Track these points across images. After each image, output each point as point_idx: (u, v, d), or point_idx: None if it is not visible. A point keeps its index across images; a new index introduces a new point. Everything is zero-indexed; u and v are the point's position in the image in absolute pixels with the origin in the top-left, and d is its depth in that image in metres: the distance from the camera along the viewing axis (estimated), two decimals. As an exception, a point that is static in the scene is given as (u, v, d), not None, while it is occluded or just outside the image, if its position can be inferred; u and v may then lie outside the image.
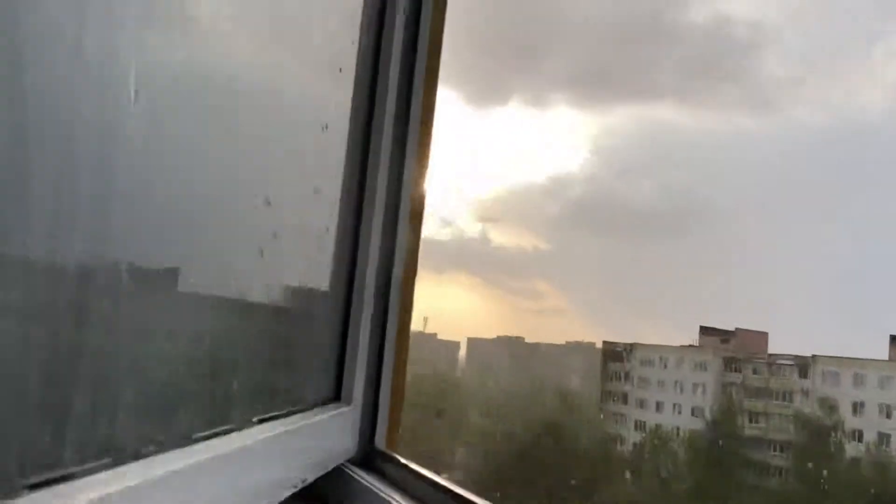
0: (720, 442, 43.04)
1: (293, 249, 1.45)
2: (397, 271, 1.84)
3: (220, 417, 1.11)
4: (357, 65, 1.67)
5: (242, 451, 1.08)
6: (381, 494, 1.53)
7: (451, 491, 1.48)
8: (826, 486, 36.25)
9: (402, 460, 1.65)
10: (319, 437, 1.50)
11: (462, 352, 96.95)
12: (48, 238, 0.70)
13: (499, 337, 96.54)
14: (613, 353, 63.24)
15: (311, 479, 1.39)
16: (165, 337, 0.98)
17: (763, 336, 56.66)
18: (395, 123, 1.79)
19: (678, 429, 50.82)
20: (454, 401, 68.58)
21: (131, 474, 0.79)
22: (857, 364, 47.47)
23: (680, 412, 53.90)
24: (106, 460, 0.79)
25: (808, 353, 49.29)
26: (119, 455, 0.82)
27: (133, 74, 0.82)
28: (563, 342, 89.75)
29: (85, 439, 0.78)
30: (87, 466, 0.75)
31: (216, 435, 1.04)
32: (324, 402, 1.59)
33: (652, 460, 47.06)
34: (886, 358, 47.46)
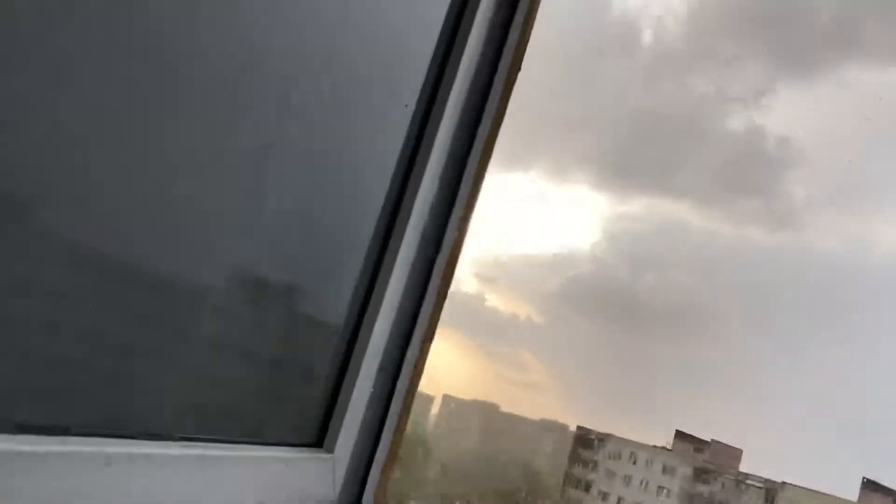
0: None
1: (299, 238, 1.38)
2: (421, 320, 1.77)
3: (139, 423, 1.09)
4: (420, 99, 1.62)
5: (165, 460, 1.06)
6: None
7: None
8: None
9: None
10: (280, 475, 1.46)
11: (435, 408, 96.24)
12: None
13: (475, 400, 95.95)
14: (585, 440, 62.64)
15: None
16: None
17: (737, 452, 56.13)
18: (451, 161, 1.73)
19: (635, 528, 50.01)
20: (418, 456, 67.77)
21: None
22: (824, 500, 46.82)
23: (641, 512, 53.14)
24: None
25: (778, 479, 48.79)
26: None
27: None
28: (538, 418, 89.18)
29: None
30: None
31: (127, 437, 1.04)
32: (301, 444, 1.56)
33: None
34: (856, 500, 46.81)
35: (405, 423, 1.81)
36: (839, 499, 45.99)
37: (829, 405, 72.66)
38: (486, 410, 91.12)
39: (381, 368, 1.67)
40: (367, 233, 1.57)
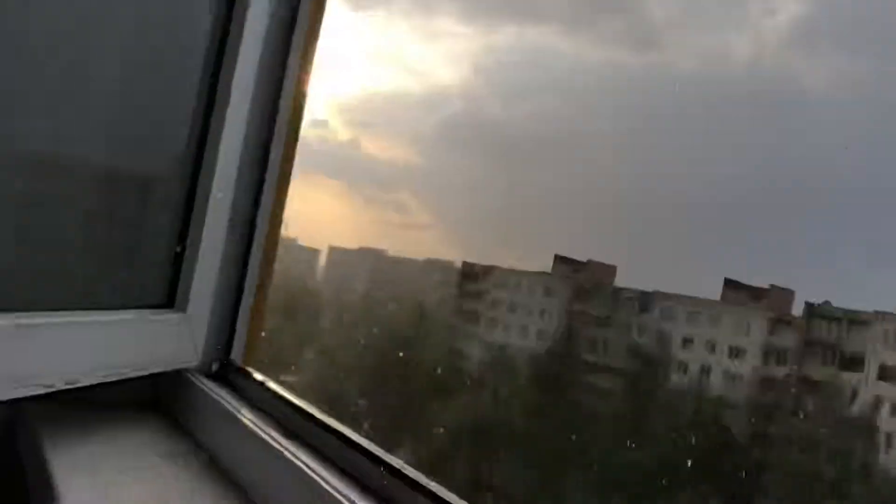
0: (559, 365, 45.22)
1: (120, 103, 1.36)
2: (272, 171, 1.72)
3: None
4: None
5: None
6: (227, 406, 1.50)
7: (301, 409, 1.45)
8: (648, 410, 38.94)
9: (258, 376, 1.63)
10: (127, 339, 1.44)
11: (322, 260, 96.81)
12: None
13: (361, 248, 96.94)
14: (471, 274, 64.49)
15: (120, 376, 1.37)
16: None
17: (612, 269, 59.27)
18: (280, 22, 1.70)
19: (522, 350, 52.79)
20: (310, 308, 68.53)
21: None
22: (692, 302, 50.43)
23: (526, 335, 55.87)
24: None
25: (650, 289, 52.06)
26: None
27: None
28: (424, 259, 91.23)
29: None
30: None
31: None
32: (149, 306, 1.53)
33: (493, 378, 48.94)
34: (718, 299, 50.83)
35: (269, 278, 1.82)
36: (705, 300, 49.94)
37: (693, 213, 77.66)
38: (374, 257, 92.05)
39: (232, 220, 1.65)
40: (194, 79, 1.53)
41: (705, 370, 42.47)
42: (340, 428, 1.31)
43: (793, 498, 31.71)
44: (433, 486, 1.09)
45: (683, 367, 42.59)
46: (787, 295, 47.19)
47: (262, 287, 1.79)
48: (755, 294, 46.68)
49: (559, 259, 58.16)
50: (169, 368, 1.59)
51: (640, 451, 35.16)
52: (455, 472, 41.94)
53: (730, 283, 49.15)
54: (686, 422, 35.99)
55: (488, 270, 59.24)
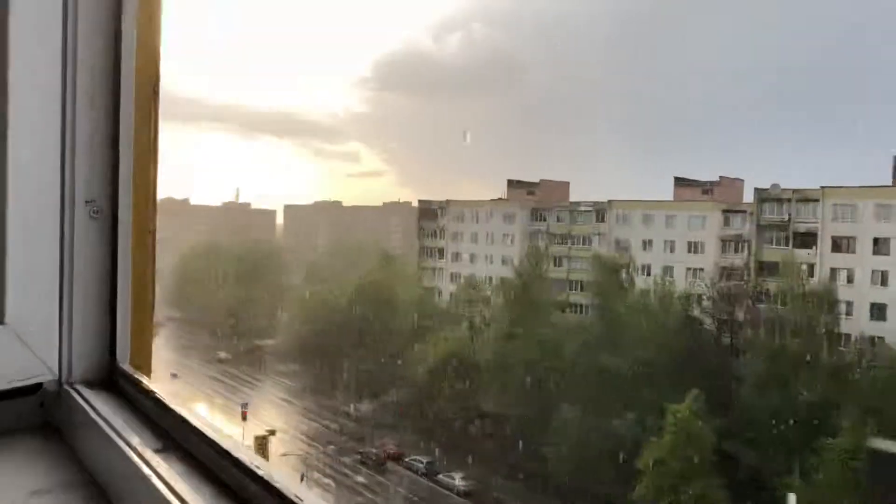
0: (526, 286, 45.64)
1: None
2: (124, 156, 1.53)
3: None
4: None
5: None
6: (97, 420, 1.42)
7: (178, 414, 1.39)
8: (620, 316, 39.65)
9: (143, 381, 1.54)
10: None
11: (279, 219, 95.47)
12: None
13: (316, 202, 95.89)
14: (429, 212, 64.70)
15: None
16: None
17: (565, 186, 59.83)
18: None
19: (490, 277, 53.43)
20: (274, 268, 67.98)
21: None
22: (646, 206, 51.44)
23: (491, 262, 56.58)
24: None
25: (604, 199, 52.63)
26: None
27: None
28: (381, 204, 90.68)
29: None
30: None
31: None
32: None
33: (467, 308, 49.47)
34: (672, 199, 51.71)
35: (146, 269, 1.62)
36: (659, 201, 50.45)
37: (640, 123, 77.70)
38: (330, 209, 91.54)
39: (69, 214, 1.48)
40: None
41: (667, 269, 43.09)
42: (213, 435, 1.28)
43: (769, 378, 32.69)
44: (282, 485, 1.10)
45: (647, 270, 43.13)
46: (736, 184, 47.71)
47: (141, 282, 1.62)
48: (706, 188, 47.06)
49: (512, 183, 57.72)
50: (4, 385, 1.47)
51: (619, 357, 35.54)
52: (446, 406, 41.80)
53: (680, 181, 49.55)
54: (658, 322, 36.57)
55: (444, 205, 58.67)
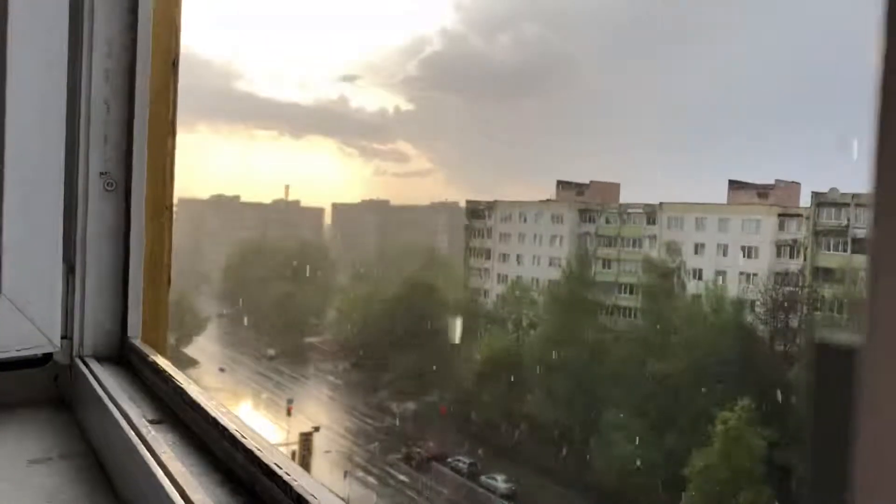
0: (575, 288, 45.27)
1: None
2: (138, 130, 1.48)
3: None
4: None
5: None
6: (101, 395, 1.42)
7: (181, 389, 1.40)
8: (670, 321, 39.06)
9: (151, 356, 1.52)
10: None
11: (328, 218, 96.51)
12: None
13: (363, 201, 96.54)
14: (476, 212, 64.60)
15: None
16: None
17: (615, 187, 59.13)
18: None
19: (537, 279, 53.06)
20: (322, 266, 68.70)
21: None
22: (698, 209, 50.50)
23: (539, 263, 56.15)
24: None
25: (655, 202, 51.82)
26: None
27: None
28: (428, 203, 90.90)
29: None
30: None
31: None
32: None
33: (514, 310, 49.26)
34: (725, 202, 50.68)
35: (162, 245, 1.58)
36: (712, 204, 49.57)
37: (689, 125, 76.64)
38: (378, 208, 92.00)
39: (80, 187, 1.50)
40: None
41: (720, 274, 42.17)
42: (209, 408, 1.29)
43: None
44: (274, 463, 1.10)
45: (698, 274, 42.29)
46: (793, 188, 46.47)
47: (155, 258, 1.60)
48: (761, 191, 45.97)
49: (561, 184, 57.34)
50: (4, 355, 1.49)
51: (669, 363, 34.99)
52: (485, 406, 41.77)
53: (734, 184, 48.43)
54: (709, 327, 35.90)
55: (492, 205, 58.52)
